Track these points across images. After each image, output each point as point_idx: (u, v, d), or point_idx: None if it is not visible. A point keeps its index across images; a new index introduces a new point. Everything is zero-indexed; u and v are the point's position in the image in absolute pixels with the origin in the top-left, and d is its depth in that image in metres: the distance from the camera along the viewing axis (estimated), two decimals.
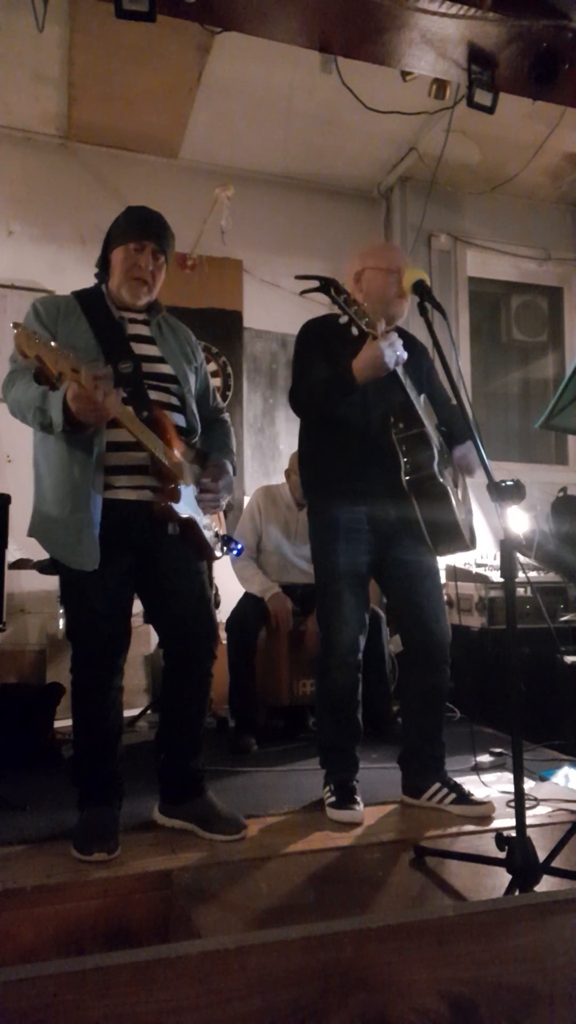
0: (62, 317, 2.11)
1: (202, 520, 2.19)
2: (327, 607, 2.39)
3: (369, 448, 2.33)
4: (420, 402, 2.35)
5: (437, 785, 2.33)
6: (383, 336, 2.17)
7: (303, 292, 2.07)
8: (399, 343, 2.22)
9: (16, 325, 1.83)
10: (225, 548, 2.34)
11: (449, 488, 2.31)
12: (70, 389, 1.85)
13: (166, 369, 2.19)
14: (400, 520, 2.34)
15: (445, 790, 2.32)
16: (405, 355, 2.24)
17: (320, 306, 3.88)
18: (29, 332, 1.80)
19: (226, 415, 2.48)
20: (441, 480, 2.27)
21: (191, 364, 2.27)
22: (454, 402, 2.62)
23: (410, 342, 2.50)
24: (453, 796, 2.30)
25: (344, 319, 2.09)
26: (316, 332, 2.46)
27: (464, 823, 2.19)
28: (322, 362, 2.34)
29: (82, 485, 1.99)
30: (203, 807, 2.12)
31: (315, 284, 2.05)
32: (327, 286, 2.04)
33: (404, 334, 2.53)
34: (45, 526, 2.08)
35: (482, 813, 2.24)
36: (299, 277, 2.02)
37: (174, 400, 2.19)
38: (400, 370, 2.27)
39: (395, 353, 2.19)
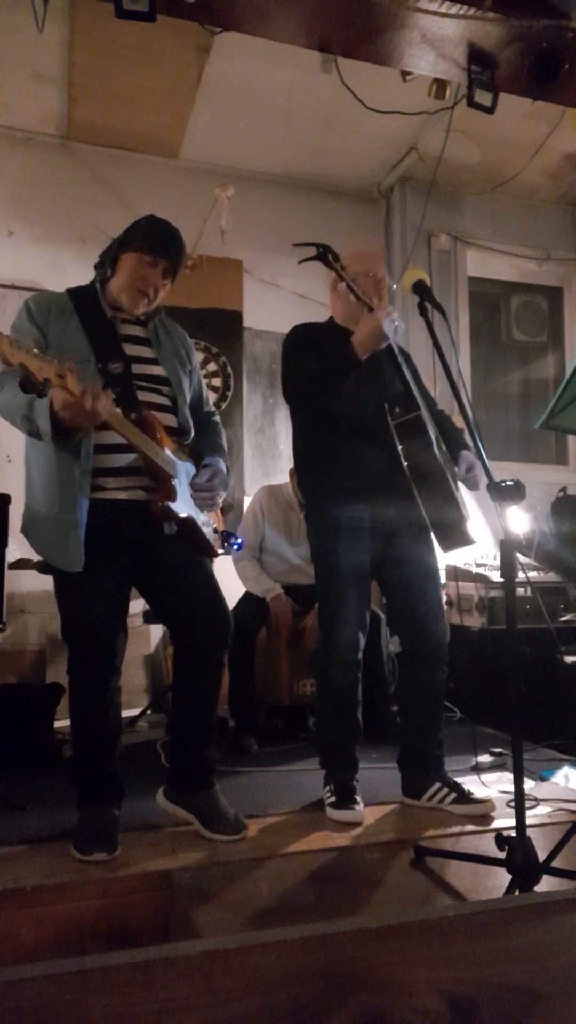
0: (54, 316, 2.10)
1: (200, 518, 2.18)
2: (328, 606, 2.39)
3: (365, 443, 2.33)
4: (415, 389, 2.35)
5: (437, 785, 2.34)
6: (380, 307, 2.16)
7: (301, 261, 2.07)
8: (395, 313, 2.21)
9: None
10: (225, 544, 2.35)
11: (447, 468, 2.30)
12: (58, 397, 1.81)
13: (158, 371, 2.18)
14: (400, 518, 2.34)
15: (445, 789, 2.32)
16: (403, 326, 2.24)
17: (320, 307, 3.88)
18: (12, 339, 1.73)
19: (217, 417, 2.47)
20: (440, 459, 2.26)
21: (185, 367, 2.26)
22: (439, 406, 2.63)
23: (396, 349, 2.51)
24: (453, 795, 2.30)
25: (342, 285, 2.08)
26: (306, 334, 2.46)
27: (464, 823, 2.19)
28: (315, 357, 2.34)
29: (70, 486, 1.98)
30: (207, 802, 2.12)
31: (313, 252, 2.05)
32: (325, 253, 2.04)
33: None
34: (34, 525, 2.08)
35: (482, 811, 2.24)
36: (297, 245, 2.02)
37: (165, 401, 2.18)
38: (397, 352, 2.27)
39: (393, 323, 2.18)
